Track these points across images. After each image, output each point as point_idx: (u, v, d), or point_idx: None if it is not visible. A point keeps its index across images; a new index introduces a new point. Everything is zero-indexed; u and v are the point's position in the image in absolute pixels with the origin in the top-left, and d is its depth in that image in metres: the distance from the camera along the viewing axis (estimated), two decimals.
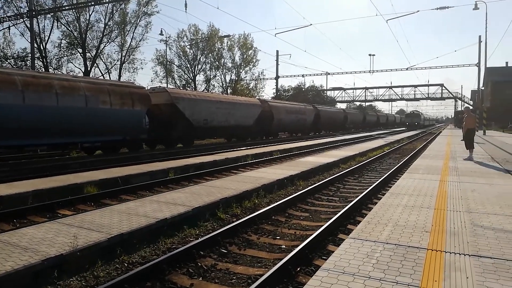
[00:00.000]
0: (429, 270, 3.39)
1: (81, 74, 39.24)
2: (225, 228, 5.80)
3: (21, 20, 30.93)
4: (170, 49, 53.46)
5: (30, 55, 27.52)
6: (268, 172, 11.10)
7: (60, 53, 39.78)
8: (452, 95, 59.13)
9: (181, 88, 49.48)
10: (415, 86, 59.87)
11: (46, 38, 37.63)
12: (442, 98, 59.87)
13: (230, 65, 57.84)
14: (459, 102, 62.81)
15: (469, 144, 12.96)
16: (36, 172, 11.59)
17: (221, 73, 57.70)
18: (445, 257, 3.72)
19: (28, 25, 27.21)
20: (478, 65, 38.15)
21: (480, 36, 36.03)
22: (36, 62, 31.83)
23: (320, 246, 5.33)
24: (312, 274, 4.39)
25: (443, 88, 58.00)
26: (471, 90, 75.72)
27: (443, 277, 3.25)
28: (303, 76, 68.53)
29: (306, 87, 67.05)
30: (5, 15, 32.59)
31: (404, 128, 65.58)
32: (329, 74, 58.82)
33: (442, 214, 5.41)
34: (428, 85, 59.27)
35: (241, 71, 58.72)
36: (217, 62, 56.44)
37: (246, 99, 31.62)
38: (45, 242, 4.76)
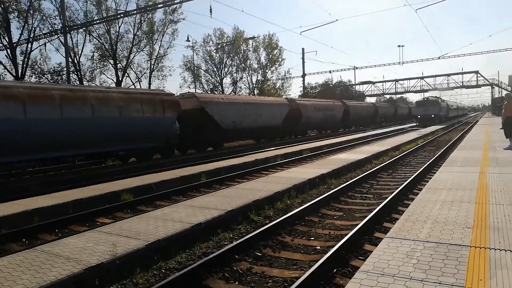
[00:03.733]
0: (473, 269, 3.25)
1: (113, 85, 40.51)
2: (259, 231, 5.80)
3: (56, 36, 32.26)
4: (196, 54, 54.22)
5: (65, 69, 28.65)
6: (299, 172, 11.02)
7: (93, 66, 41.25)
8: (489, 81, 56.60)
9: (209, 92, 50.07)
10: (448, 75, 57.77)
11: (80, 52, 39.05)
12: (477, 86, 57.39)
13: (256, 66, 57.95)
14: (496, 88, 60.00)
15: (510, 133, 12.34)
16: (75, 182, 12.04)
17: (247, 74, 57.95)
18: (489, 254, 3.56)
19: (63, 41, 28.34)
20: None
21: None
22: (71, 75, 33.17)
23: (356, 246, 5.23)
24: (349, 275, 4.32)
25: (479, 75, 55.63)
26: (509, 76, 72.05)
27: (488, 275, 3.11)
28: (330, 72, 67.62)
29: (333, 83, 66.18)
30: (41, 33, 34.19)
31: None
32: (356, 68, 57.88)
33: (484, 208, 5.18)
34: (462, 73, 57.01)
35: (267, 71, 58.69)
36: (243, 64, 56.70)
37: (273, 99, 31.56)
38: (86, 251, 4.92)
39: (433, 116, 40.78)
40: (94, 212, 7.92)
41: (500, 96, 55.89)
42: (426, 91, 59.82)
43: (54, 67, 39.16)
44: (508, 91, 48.56)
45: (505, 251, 3.60)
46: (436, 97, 47.04)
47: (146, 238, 5.30)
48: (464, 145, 14.40)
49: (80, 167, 17.01)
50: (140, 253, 4.93)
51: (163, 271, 4.79)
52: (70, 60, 34.18)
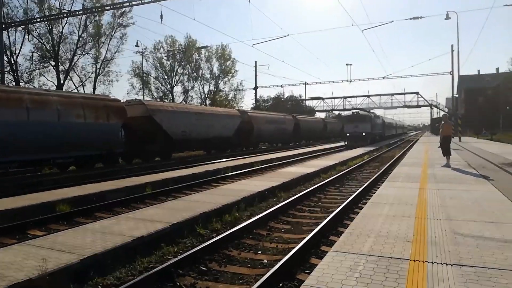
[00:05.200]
0: (413, 282, 3.33)
1: (54, 88, 38.29)
2: (205, 245, 5.62)
3: None
4: (146, 61, 52.90)
5: None
6: (249, 184, 10.97)
7: (32, 66, 38.76)
8: (428, 102, 60.60)
9: (158, 100, 48.97)
10: (392, 95, 61.14)
11: (17, 51, 36.64)
12: (418, 106, 61.21)
13: (208, 76, 57.79)
14: (435, 109, 64.45)
15: (446, 151, 13.20)
16: (6, 191, 11.08)
17: (199, 84, 57.53)
18: (427, 267, 3.67)
19: None
20: (451, 73, 39.36)
21: (452, 45, 37.29)
22: (6, 76, 30.94)
23: (303, 260, 5.22)
24: None
25: (419, 96, 59.46)
26: (446, 98, 77.80)
27: None
28: (282, 86, 68.89)
29: (285, 97, 67.58)
30: None
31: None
32: (307, 84, 59.55)
33: (423, 223, 5.40)
34: (404, 93, 60.60)
35: (219, 82, 58.73)
36: (195, 73, 56.27)
37: (225, 110, 31.53)
38: (13, 266, 4.49)
39: (364, 134, 33.76)
40: (26, 224, 7.29)
41: (438, 116, 60.10)
42: (372, 109, 62.85)
43: None
44: (445, 112, 52.34)
45: (442, 264, 3.74)
46: (368, 111, 40.59)
47: (81, 253, 4.93)
48: (406, 161, 15.18)
49: (13, 174, 15.75)
50: (74, 268, 4.57)
51: (100, 287, 4.47)
52: (6, 59, 31.97)
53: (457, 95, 52.14)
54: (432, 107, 61.87)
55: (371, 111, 45.59)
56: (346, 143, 34.15)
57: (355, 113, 36.18)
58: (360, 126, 33.99)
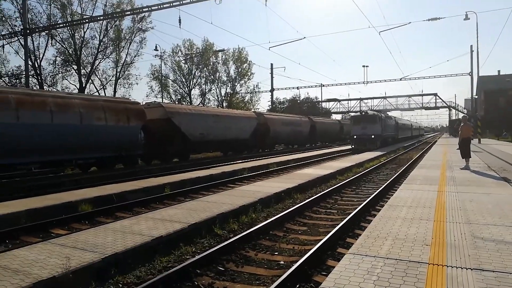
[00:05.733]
0: (431, 286, 3.31)
1: (76, 91, 39.20)
2: (222, 245, 5.70)
3: (16, 38, 30.98)
4: (165, 64, 53.71)
5: (24, 72, 27.46)
6: (265, 186, 11.01)
7: (55, 70, 39.79)
8: (446, 104, 59.51)
9: (177, 102, 49.52)
10: (409, 96, 60.20)
11: (41, 56, 37.67)
12: (436, 108, 60.17)
13: (225, 78, 58.22)
14: (453, 111, 63.21)
15: (466, 153, 12.96)
16: (29, 191, 11.43)
17: (216, 86, 58.00)
18: (447, 271, 3.65)
19: (23, 43, 27.24)
20: (471, 74, 38.56)
21: (471, 46, 36.54)
22: (30, 79, 31.82)
23: (319, 261, 5.23)
24: None
25: (437, 97, 58.42)
26: (465, 99, 76.13)
27: None
28: (298, 88, 69.12)
29: (301, 99, 67.38)
30: None
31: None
32: (323, 85, 59.24)
33: (441, 226, 5.34)
34: (422, 95, 59.62)
35: (236, 84, 59.07)
36: (212, 76, 56.76)
37: (242, 112, 31.66)
38: (37, 264, 4.64)
39: (373, 137, 29.98)
40: (49, 223, 7.52)
41: (457, 118, 58.88)
42: (389, 110, 61.97)
43: (12, 70, 37.51)
44: (464, 113, 51.27)
45: (462, 268, 3.71)
46: (377, 111, 37.41)
47: (103, 251, 5.07)
48: (424, 164, 14.96)
49: (37, 175, 16.20)
50: (95, 266, 4.70)
51: (120, 285, 4.58)
52: (30, 63, 32.87)
53: (476, 96, 51.01)
54: (451, 108, 60.67)
55: (385, 112, 42.74)
56: (352, 146, 30.86)
57: (363, 113, 32.25)
58: (368, 127, 30.13)
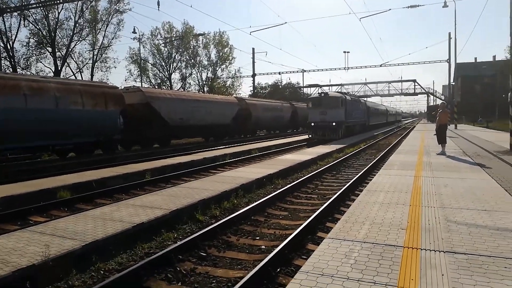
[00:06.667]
0: (406, 269, 3.45)
1: (51, 74, 38.02)
2: (204, 231, 5.74)
3: None
4: (144, 47, 52.50)
5: None
6: (247, 171, 11.07)
7: (28, 53, 38.39)
8: (425, 90, 60.72)
9: (156, 87, 48.74)
10: (389, 82, 61.21)
11: (13, 37, 36.24)
12: (415, 94, 61.40)
13: (206, 63, 57.46)
14: (431, 97, 64.53)
15: (442, 139, 13.32)
16: (5, 178, 11.15)
17: (197, 71, 57.23)
18: (421, 254, 3.79)
19: None
20: (448, 61, 39.29)
21: (449, 33, 37.14)
22: (3, 62, 30.65)
23: (299, 246, 5.35)
24: (292, 274, 4.40)
25: (416, 83, 59.48)
26: (443, 85, 77.63)
27: (419, 275, 3.31)
28: (279, 73, 68.62)
29: (282, 84, 67.33)
30: None
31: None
32: (305, 71, 59.32)
33: (417, 210, 5.53)
34: (401, 81, 60.68)
35: (217, 69, 58.41)
36: (192, 60, 55.92)
37: (223, 97, 31.48)
38: (16, 252, 4.58)
39: (334, 124, 24.19)
40: (27, 210, 7.39)
41: (434, 104, 60.17)
42: (369, 96, 62.68)
43: None
44: (441, 99, 52.37)
45: (435, 251, 3.86)
46: (341, 93, 30.92)
47: (83, 238, 5.04)
48: (402, 149, 15.30)
49: (12, 161, 15.79)
50: (76, 254, 4.68)
51: (102, 272, 4.58)
52: (2, 45, 31.66)
53: (453, 83, 52.10)
54: (429, 94, 61.96)
55: (353, 94, 36.40)
56: (310, 135, 25.27)
57: (322, 95, 25.63)
58: (329, 112, 24.35)
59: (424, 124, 49.93)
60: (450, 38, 37.49)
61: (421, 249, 3.93)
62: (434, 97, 64.33)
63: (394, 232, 4.54)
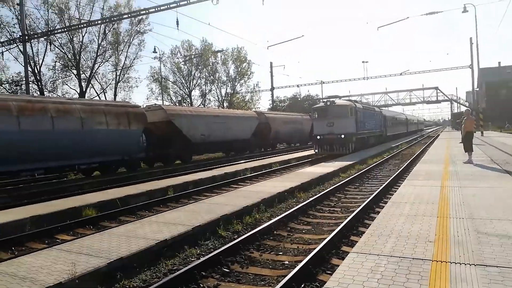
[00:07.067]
0: (435, 283, 3.33)
1: (76, 96, 39.31)
2: (227, 246, 5.72)
3: (15, 45, 31.09)
4: (164, 66, 53.84)
5: (24, 79, 27.54)
6: (268, 186, 11.03)
7: (54, 76, 39.94)
8: (448, 97, 59.38)
9: (177, 104, 49.59)
10: (410, 91, 60.12)
11: (40, 61, 37.80)
12: (437, 101, 60.04)
13: (225, 78, 58.26)
14: (455, 104, 63.06)
15: (468, 147, 12.93)
16: (34, 197, 11.49)
17: (216, 87, 58.06)
18: (450, 268, 3.65)
19: (22, 49, 27.33)
20: (471, 66, 38.44)
21: (471, 38, 36.40)
22: (31, 85, 31.90)
23: (323, 260, 5.25)
24: None
25: (438, 91, 58.30)
26: (466, 92, 75.79)
27: None
28: (298, 86, 68.92)
29: (301, 97, 67.28)
30: None
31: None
32: (323, 83, 59.09)
33: (445, 222, 5.35)
34: (423, 89, 59.51)
35: (236, 84, 59.10)
36: (211, 76, 56.80)
37: (243, 112, 31.67)
38: (44, 271, 4.67)
39: (343, 137, 20.89)
40: (54, 229, 7.57)
41: (458, 111, 58.72)
42: (390, 105, 61.76)
43: (12, 76, 37.65)
44: (466, 106, 51.06)
45: (465, 265, 3.71)
46: (352, 100, 25.38)
47: (108, 256, 5.10)
48: (427, 159, 14.94)
49: (40, 181, 16.28)
50: (101, 271, 4.73)
51: None
52: (30, 69, 32.97)
53: (477, 89, 50.80)
54: (452, 102, 60.52)
55: (364, 103, 31.16)
56: (316, 151, 22.21)
57: (328, 103, 22.24)
58: (336, 123, 21.13)
59: (448, 132, 48.71)
60: (471, 43, 36.74)
61: (451, 263, 3.78)
62: (458, 104, 62.80)
63: (421, 245, 4.40)
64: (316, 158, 21.14)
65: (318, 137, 21.84)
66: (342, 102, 23.44)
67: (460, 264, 3.74)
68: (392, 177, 12.01)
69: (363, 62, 55.80)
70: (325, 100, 23.07)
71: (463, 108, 51.11)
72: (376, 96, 62.99)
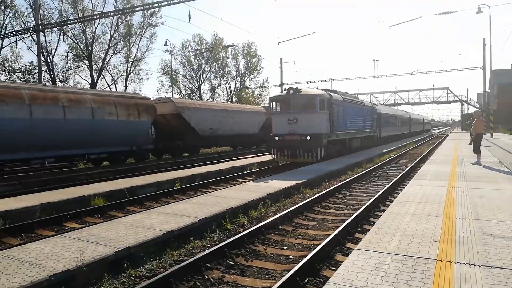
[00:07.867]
0: (439, 283, 3.34)
1: (87, 86, 39.65)
2: (232, 239, 5.78)
3: (28, 34, 31.45)
4: (175, 59, 54.05)
5: (37, 68, 27.85)
6: (274, 181, 11.06)
7: (67, 66, 40.37)
8: (458, 98, 58.74)
9: (187, 97, 49.81)
10: (420, 90, 59.57)
11: (53, 51, 38.22)
12: (447, 102, 59.43)
13: (234, 73, 58.32)
14: (465, 105, 62.36)
15: (477, 148, 12.83)
16: (44, 185, 11.67)
17: (226, 81, 58.15)
18: (454, 268, 3.66)
19: (35, 39, 27.63)
20: (483, 68, 37.94)
21: (484, 39, 35.89)
22: (43, 75, 32.25)
23: (327, 256, 5.29)
24: (320, 286, 4.36)
25: (449, 91, 57.69)
26: (477, 93, 74.85)
27: None
28: (307, 82, 68.62)
29: None
30: (12, 30, 33.20)
31: None
32: (333, 80, 58.77)
33: (450, 222, 5.34)
34: (433, 89, 58.94)
35: (245, 79, 59.13)
36: (221, 71, 56.89)
37: (251, 107, 31.71)
38: (52, 257, 4.76)
39: (309, 138, 15.19)
40: (63, 217, 7.70)
41: (469, 112, 58.06)
42: (399, 105, 61.21)
43: (25, 65, 38.08)
44: (476, 107, 50.47)
45: (470, 265, 3.72)
46: (327, 90, 17.85)
47: (115, 245, 5.18)
48: (434, 159, 14.84)
49: (50, 169, 16.50)
50: (108, 260, 4.82)
51: (133, 278, 4.70)
52: (42, 59, 33.31)
53: (489, 90, 50.14)
54: (463, 102, 59.83)
55: (351, 94, 23.81)
56: (273, 156, 16.39)
57: (291, 91, 15.96)
58: (300, 120, 15.61)
59: (457, 133, 48.24)
60: (485, 44, 36.24)
61: (455, 263, 3.79)
62: (468, 105, 62.08)
63: (426, 244, 4.41)
64: (273, 167, 16.25)
65: (277, 137, 15.94)
66: (310, 90, 16.93)
67: (465, 264, 3.75)
68: (398, 176, 11.94)
69: (373, 60, 55.37)
70: (287, 88, 16.58)
71: (473, 109, 50.53)
72: (386, 95, 62.55)
